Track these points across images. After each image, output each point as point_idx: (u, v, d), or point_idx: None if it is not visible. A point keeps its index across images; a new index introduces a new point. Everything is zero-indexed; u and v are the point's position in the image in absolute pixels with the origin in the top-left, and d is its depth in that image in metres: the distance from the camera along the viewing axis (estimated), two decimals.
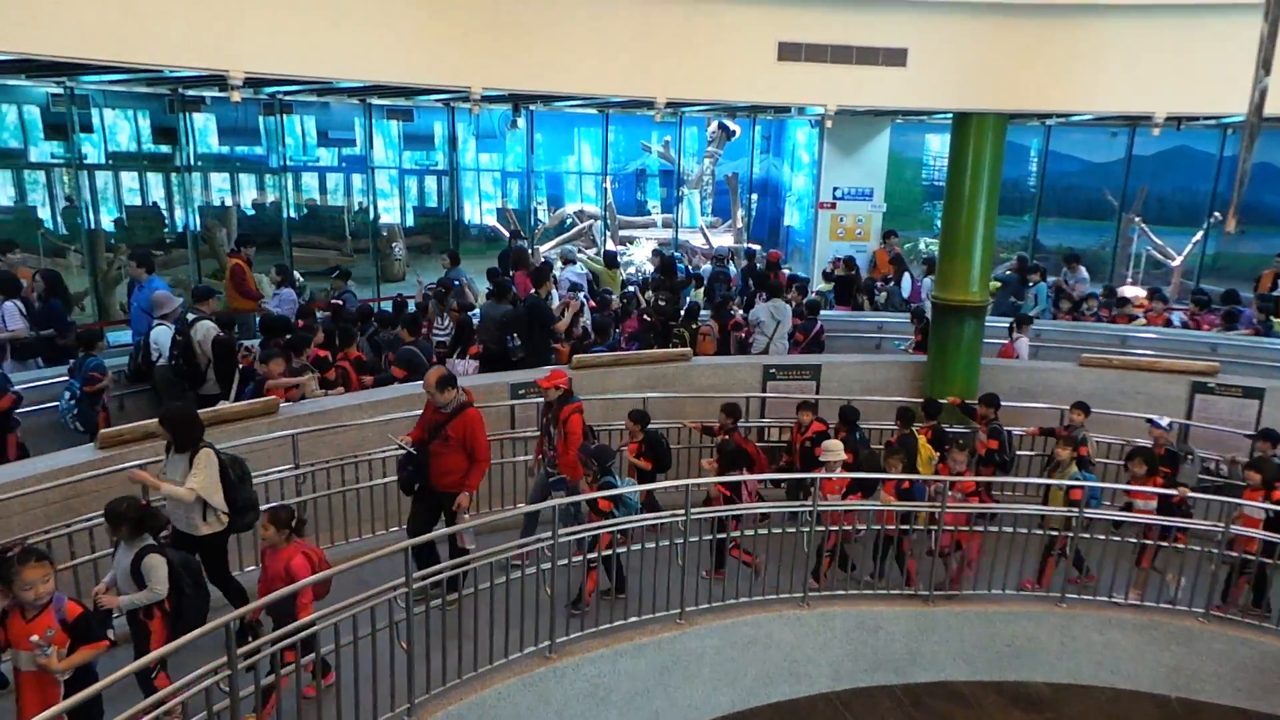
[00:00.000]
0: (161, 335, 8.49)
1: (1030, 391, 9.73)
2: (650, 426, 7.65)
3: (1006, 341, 10.74)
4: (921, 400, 8.86)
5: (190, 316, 8.65)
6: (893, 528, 6.95)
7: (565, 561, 6.03)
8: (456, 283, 11.54)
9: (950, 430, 8.48)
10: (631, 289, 12.83)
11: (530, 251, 14.84)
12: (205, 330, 8.40)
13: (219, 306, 9.93)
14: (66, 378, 8.09)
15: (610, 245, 16.82)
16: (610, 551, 6.30)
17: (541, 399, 7.41)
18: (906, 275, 13.86)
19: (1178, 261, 15.68)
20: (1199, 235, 15.71)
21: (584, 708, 6.00)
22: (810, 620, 6.78)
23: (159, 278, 9.68)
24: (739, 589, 6.71)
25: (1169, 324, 12.19)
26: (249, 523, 5.82)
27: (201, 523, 5.56)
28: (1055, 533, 7.03)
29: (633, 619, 6.26)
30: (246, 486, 5.82)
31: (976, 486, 7.10)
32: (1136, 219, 16.16)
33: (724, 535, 6.84)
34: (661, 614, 6.36)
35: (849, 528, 6.88)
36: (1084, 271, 14.00)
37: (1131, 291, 13.68)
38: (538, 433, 7.55)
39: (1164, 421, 8.21)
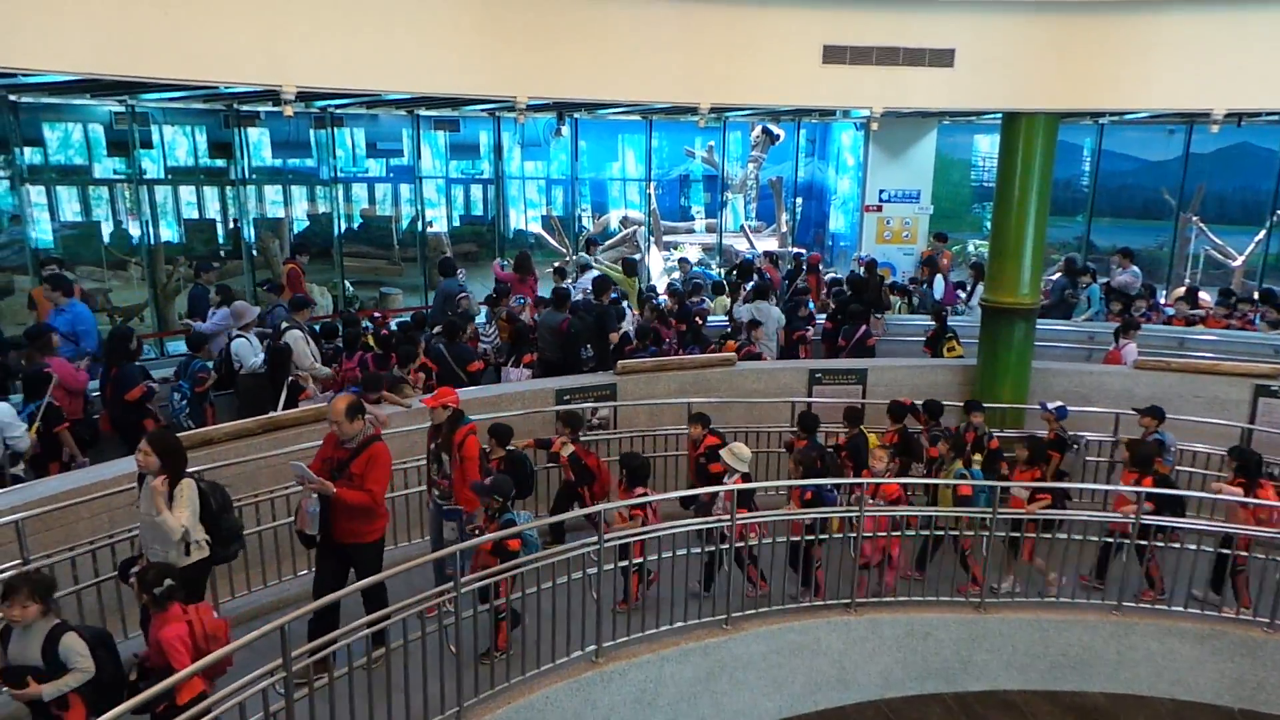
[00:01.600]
0: (241, 346, 8.75)
1: (1084, 395, 9.52)
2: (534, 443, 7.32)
3: (1112, 348, 10.42)
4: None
5: (284, 325, 8.99)
6: (798, 537, 6.61)
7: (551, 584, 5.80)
8: (461, 292, 11.46)
9: (912, 432, 8.25)
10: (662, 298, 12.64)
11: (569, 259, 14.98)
12: (292, 339, 8.75)
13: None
14: (174, 380, 8.73)
15: (654, 251, 16.88)
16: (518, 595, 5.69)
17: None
18: (939, 277, 13.64)
19: (1239, 261, 15.24)
20: (1261, 234, 15.24)
21: (631, 712, 6.01)
22: (859, 626, 6.70)
23: (76, 306, 9.09)
24: (785, 596, 6.68)
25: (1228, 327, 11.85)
26: (234, 553, 5.50)
27: (183, 555, 5.06)
28: (955, 532, 6.92)
29: (679, 624, 6.26)
30: (228, 515, 5.44)
31: (901, 491, 6.86)
32: (1194, 218, 15.75)
33: (626, 563, 6.15)
34: (708, 619, 6.35)
35: (752, 542, 6.52)
36: (1135, 268, 13.65)
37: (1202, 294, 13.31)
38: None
39: (1052, 405, 8.10)
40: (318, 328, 10.35)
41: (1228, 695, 6.81)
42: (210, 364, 8.92)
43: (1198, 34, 8.21)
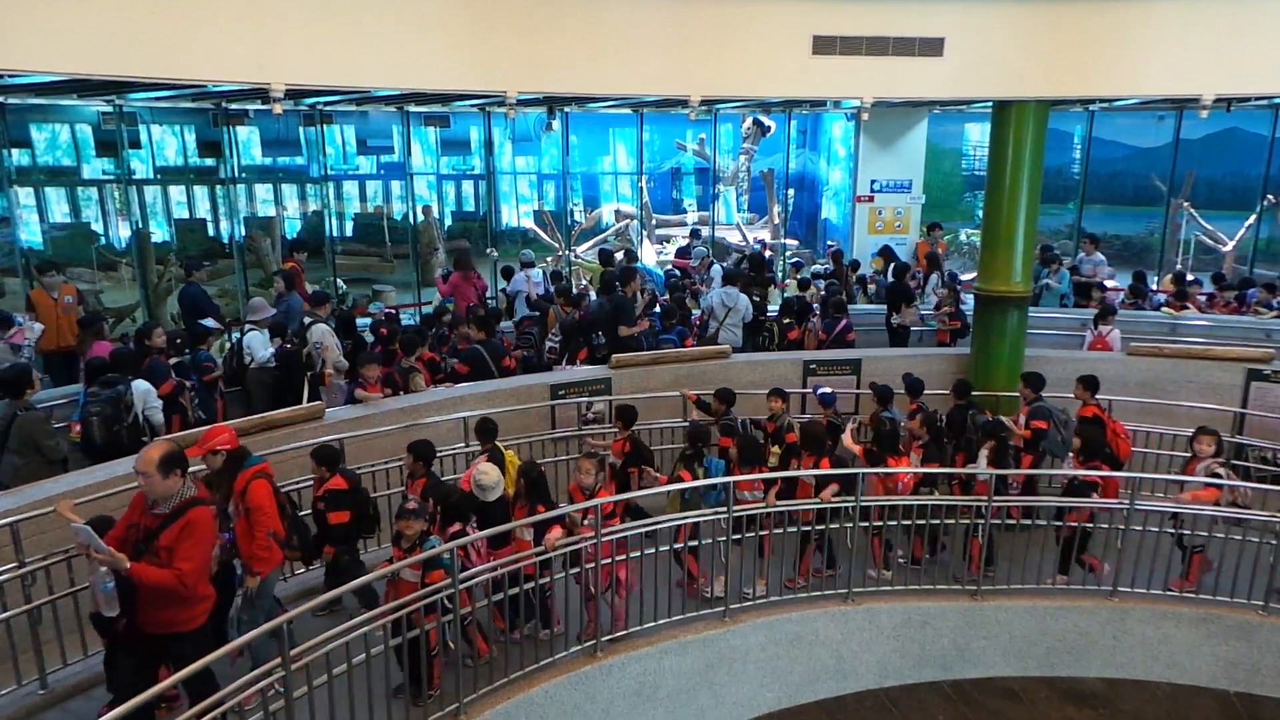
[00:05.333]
0: (254, 339, 8.75)
1: None
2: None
3: (1094, 336, 10.39)
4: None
5: (306, 320, 8.98)
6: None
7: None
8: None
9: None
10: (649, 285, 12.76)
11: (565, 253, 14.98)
12: (320, 333, 8.72)
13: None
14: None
15: (647, 244, 16.87)
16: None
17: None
18: (893, 266, 13.64)
19: (1229, 246, 15.29)
20: (1251, 219, 15.29)
21: (630, 705, 6.03)
22: (856, 616, 6.73)
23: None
24: (782, 586, 6.69)
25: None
26: None
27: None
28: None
29: (677, 617, 6.28)
30: None
31: (614, 508, 6.00)
32: (1185, 204, 15.80)
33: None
34: (706, 611, 6.38)
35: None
36: (1100, 255, 13.69)
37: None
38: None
39: (824, 390, 8.06)
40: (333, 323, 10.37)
41: (1223, 679, 6.86)
42: (211, 354, 8.91)
43: (1186, 20, 8.23)
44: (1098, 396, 8.00)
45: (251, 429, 7.02)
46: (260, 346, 8.81)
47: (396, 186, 16.66)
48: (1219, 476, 6.75)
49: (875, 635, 6.80)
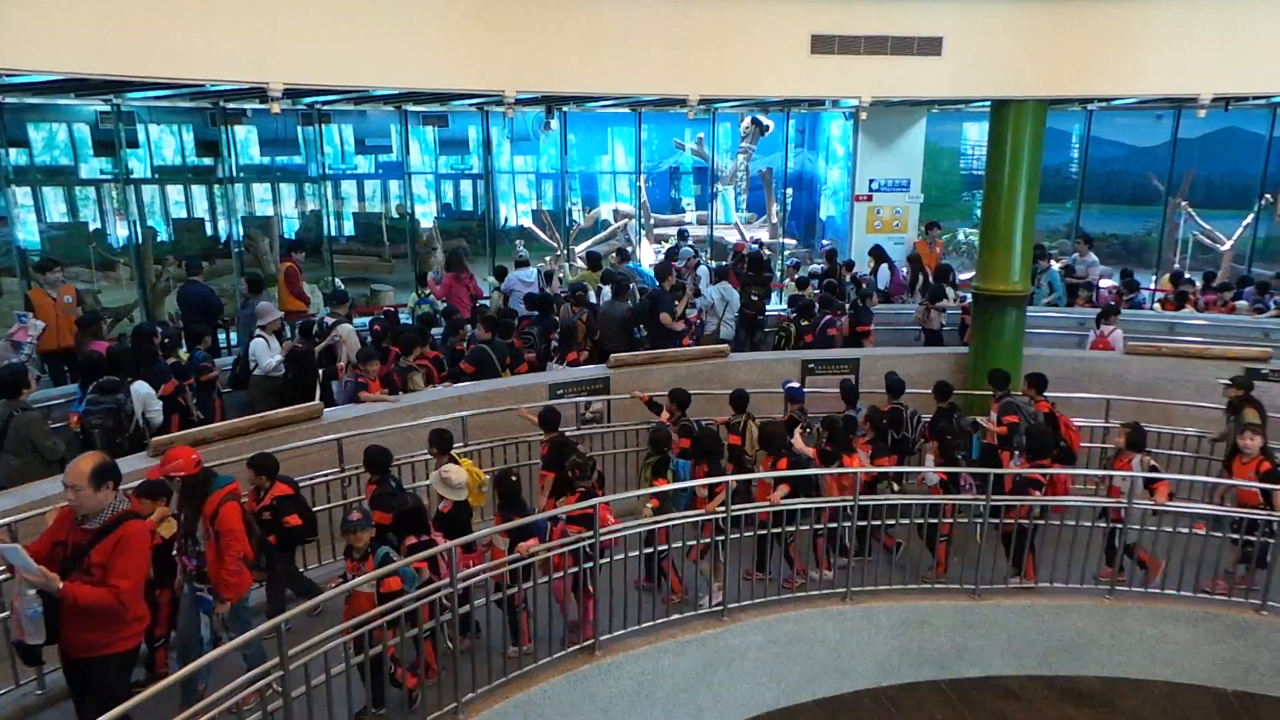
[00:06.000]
0: (259, 347, 8.72)
1: (1077, 381, 9.56)
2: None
3: (1097, 335, 10.39)
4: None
5: (329, 320, 8.95)
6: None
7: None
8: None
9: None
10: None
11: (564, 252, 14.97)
12: (346, 332, 8.74)
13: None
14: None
15: (645, 244, 16.86)
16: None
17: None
18: (884, 266, 13.65)
19: (1227, 246, 15.29)
20: (1249, 218, 15.30)
21: (629, 705, 6.03)
22: (854, 615, 6.73)
23: None
24: (780, 586, 6.69)
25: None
26: None
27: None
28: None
29: (675, 616, 6.28)
30: None
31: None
32: (1183, 203, 15.80)
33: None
34: (704, 611, 6.37)
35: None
36: (1094, 255, 13.68)
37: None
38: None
39: (792, 384, 7.99)
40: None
41: (1220, 677, 6.86)
42: (206, 354, 8.82)
43: (1185, 19, 8.24)
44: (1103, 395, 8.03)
45: (250, 429, 7.02)
46: (265, 354, 8.70)
47: (395, 186, 16.65)
48: (1156, 471, 6.81)
49: (874, 634, 6.80)
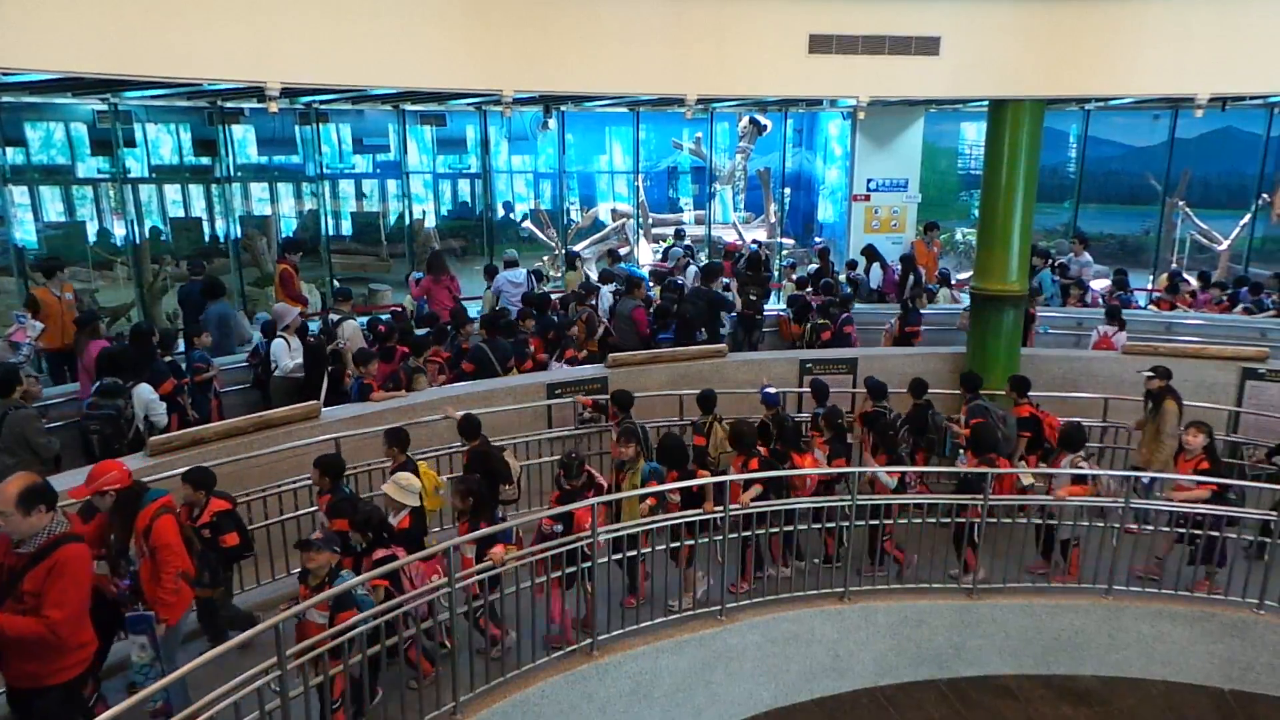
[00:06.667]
0: (279, 348, 8.72)
1: (1074, 381, 9.57)
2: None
3: (1099, 336, 10.42)
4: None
5: (334, 317, 8.93)
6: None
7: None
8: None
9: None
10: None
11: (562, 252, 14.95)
12: (352, 330, 8.68)
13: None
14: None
15: (644, 243, 16.87)
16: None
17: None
18: (876, 265, 13.65)
19: (1224, 245, 15.33)
20: (1246, 218, 15.33)
21: (627, 704, 6.03)
22: (851, 615, 6.73)
23: None
24: (778, 585, 6.70)
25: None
26: None
27: None
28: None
29: (673, 616, 6.28)
30: None
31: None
32: (1180, 203, 15.83)
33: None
34: (702, 611, 6.38)
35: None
36: (1088, 255, 13.71)
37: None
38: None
39: (768, 389, 7.94)
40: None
41: (1217, 676, 6.88)
42: (204, 353, 8.75)
43: (1182, 19, 8.24)
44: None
45: (248, 428, 7.01)
46: (285, 355, 8.68)
47: (392, 185, 16.65)
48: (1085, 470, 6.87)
49: (871, 634, 6.81)
